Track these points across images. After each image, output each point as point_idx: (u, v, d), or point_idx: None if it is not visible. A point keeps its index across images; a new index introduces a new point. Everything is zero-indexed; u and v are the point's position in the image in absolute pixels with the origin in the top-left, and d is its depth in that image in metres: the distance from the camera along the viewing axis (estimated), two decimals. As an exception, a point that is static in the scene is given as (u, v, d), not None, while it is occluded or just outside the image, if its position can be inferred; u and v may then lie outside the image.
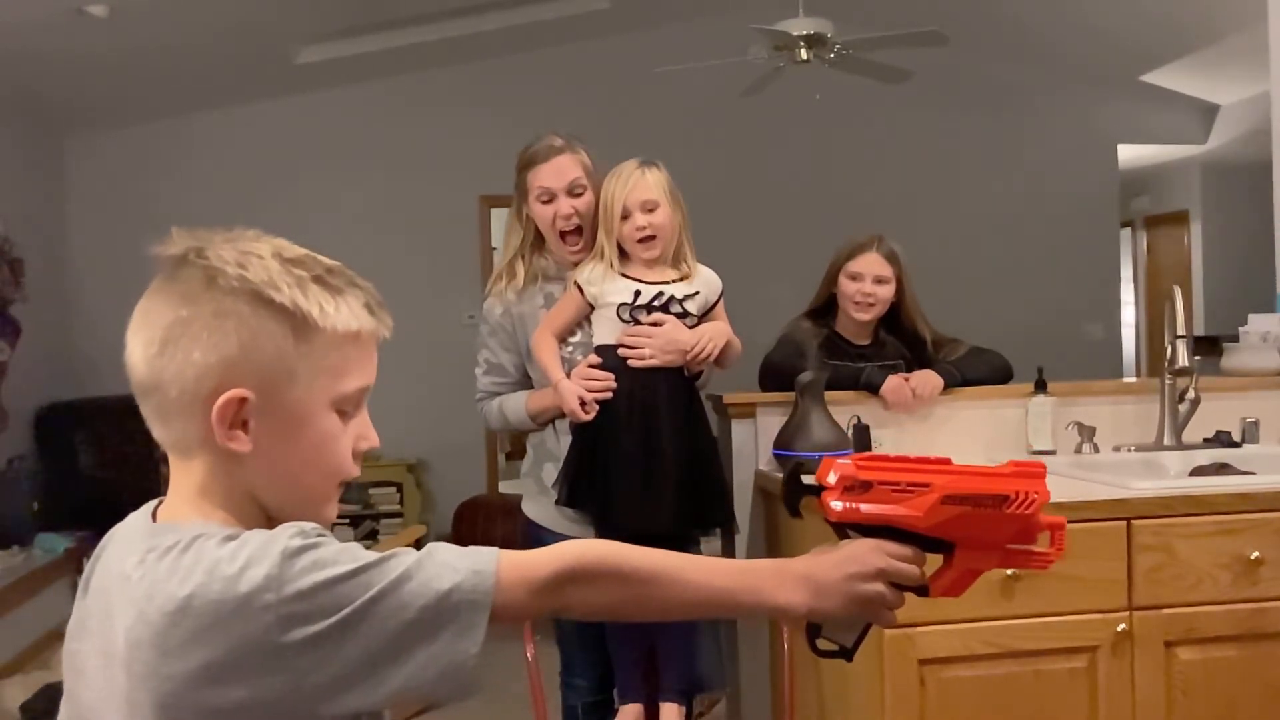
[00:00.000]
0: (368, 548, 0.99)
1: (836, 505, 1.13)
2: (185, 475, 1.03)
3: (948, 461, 1.14)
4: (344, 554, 0.96)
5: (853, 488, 1.12)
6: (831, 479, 1.13)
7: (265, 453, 1.01)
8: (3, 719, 3.82)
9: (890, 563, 1.12)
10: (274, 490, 1.03)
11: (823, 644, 1.18)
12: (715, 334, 2.33)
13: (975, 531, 1.14)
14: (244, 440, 1.00)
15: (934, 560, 1.17)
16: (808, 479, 1.19)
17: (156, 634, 0.92)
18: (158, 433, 1.03)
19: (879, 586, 1.12)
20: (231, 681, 0.91)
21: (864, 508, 1.12)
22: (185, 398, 0.99)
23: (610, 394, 2.26)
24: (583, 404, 2.26)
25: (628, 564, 1.06)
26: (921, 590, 1.16)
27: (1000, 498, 1.13)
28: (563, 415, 2.36)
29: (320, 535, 0.97)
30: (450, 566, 0.98)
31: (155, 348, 1.00)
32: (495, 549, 1.01)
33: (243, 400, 0.98)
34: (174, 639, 0.91)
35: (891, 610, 1.14)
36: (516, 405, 2.45)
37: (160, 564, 0.95)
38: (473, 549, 1.01)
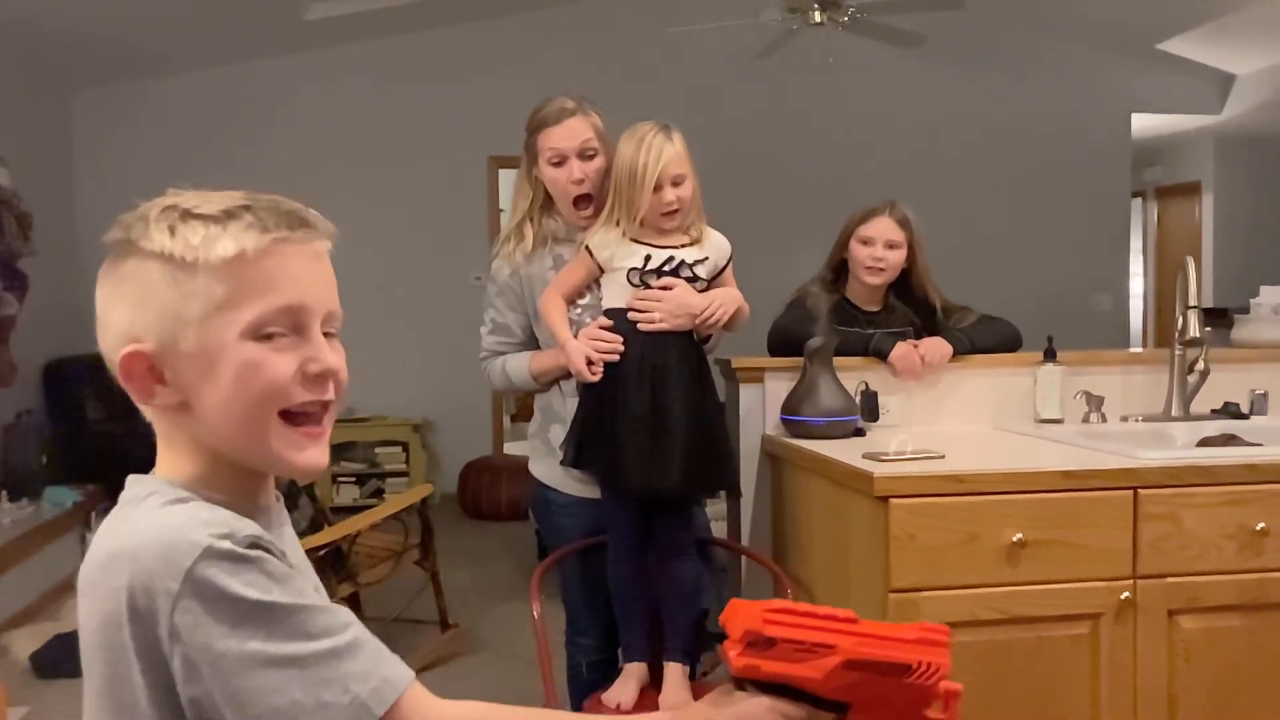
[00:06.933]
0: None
1: (738, 661, 1.11)
2: (157, 434, 1.07)
3: (855, 619, 1.13)
4: (258, 584, 0.93)
5: (756, 643, 1.11)
6: (736, 634, 1.12)
7: (193, 399, 1.01)
8: (13, 669, 3.86)
9: None
10: (215, 433, 1.02)
11: None
12: (725, 299, 2.33)
13: (872, 695, 1.13)
14: (165, 393, 1.02)
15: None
16: (714, 626, 1.18)
17: (87, 584, 0.98)
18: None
19: None
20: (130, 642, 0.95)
21: (764, 666, 1.11)
22: (113, 367, 1.03)
23: (618, 356, 2.26)
24: (590, 364, 2.26)
25: None
26: None
27: (902, 667, 1.12)
28: (567, 376, 2.36)
29: (253, 549, 0.94)
30: (343, 686, 0.94)
31: (99, 329, 1.05)
32: (406, 681, 0.97)
33: (136, 354, 1.00)
34: (99, 590, 0.96)
35: None
36: (519, 365, 2.45)
37: (113, 518, 1.02)
38: (389, 667, 0.97)
